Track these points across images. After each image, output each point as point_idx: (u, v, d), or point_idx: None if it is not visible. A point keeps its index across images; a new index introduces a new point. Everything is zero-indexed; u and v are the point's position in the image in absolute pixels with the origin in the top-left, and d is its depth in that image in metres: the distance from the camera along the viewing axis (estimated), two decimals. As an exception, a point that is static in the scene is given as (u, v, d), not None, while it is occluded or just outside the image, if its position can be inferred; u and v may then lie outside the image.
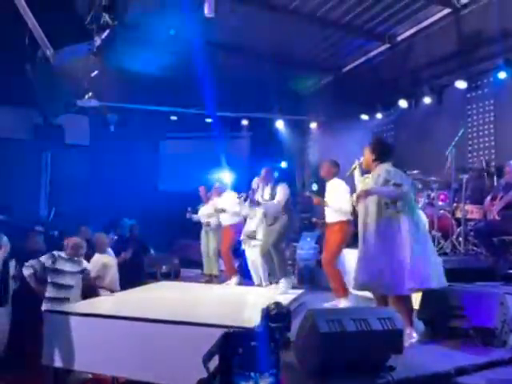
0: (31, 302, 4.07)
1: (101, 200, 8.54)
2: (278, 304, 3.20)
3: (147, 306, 3.87)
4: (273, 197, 4.82)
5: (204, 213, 6.36)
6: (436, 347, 3.22)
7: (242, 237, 5.67)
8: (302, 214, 7.15)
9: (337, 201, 4.40)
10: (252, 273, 5.64)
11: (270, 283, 5.09)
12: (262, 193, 4.99)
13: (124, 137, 8.68)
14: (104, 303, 4.12)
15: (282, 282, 4.67)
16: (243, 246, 5.74)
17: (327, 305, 4.32)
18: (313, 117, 8.73)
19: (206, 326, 3.13)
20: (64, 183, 8.41)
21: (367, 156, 3.52)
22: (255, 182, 5.44)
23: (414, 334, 3.21)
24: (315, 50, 7.79)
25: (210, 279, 6.14)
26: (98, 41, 5.08)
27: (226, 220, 5.92)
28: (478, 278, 4.21)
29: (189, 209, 6.51)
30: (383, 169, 3.40)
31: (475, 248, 4.97)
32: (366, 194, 3.33)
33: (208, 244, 6.28)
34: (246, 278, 5.80)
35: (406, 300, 3.25)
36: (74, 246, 4.20)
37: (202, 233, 6.44)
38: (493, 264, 4.47)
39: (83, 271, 4.26)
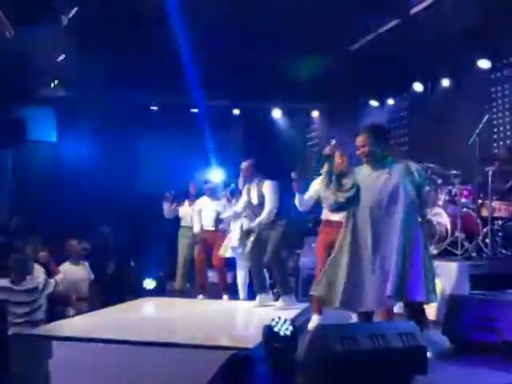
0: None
1: (71, 204, 8.49)
2: (282, 320, 3.22)
3: (131, 326, 3.85)
4: (261, 199, 4.73)
5: (188, 213, 6.28)
6: (463, 365, 3.25)
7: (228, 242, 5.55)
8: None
9: None
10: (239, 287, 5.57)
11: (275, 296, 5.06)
12: (249, 196, 4.89)
13: (96, 131, 8.64)
14: (80, 324, 4.10)
15: (283, 301, 4.66)
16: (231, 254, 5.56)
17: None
18: (314, 104, 8.74)
19: (201, 348, 3.13)
20: (28, 185, 8.35)
21: (364, 144, 3.37)
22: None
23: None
24: (315, 28, 7.79)
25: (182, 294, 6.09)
26: (65, 20, 5.05)
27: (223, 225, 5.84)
28: (507, 284, 4.24)
29: (172, 192, 6.34)
30: (407, 163, 3.38)
31: (504, 250, 5.00)
32: None
33: (189, 252, 6.20)
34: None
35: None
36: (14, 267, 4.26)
37: (182, 241, 6.31)
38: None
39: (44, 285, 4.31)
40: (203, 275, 5.96)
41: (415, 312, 3.25)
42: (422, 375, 2.67)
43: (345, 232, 3.40)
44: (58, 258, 5.46)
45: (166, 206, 6.43)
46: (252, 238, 4.94)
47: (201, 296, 5.86)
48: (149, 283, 5.40)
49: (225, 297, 5.78)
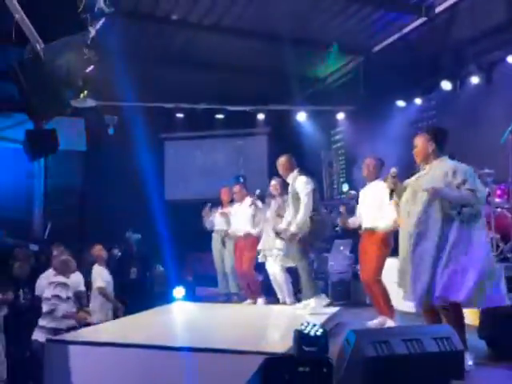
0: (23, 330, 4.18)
1: (100, 211, 8.65)
2: (312, 325, 3.18)
3: (162, 331, 3.87)
4: (294, 193, 4.64)
5: (220, 220, 6.28)
6: (501, 371, 3.13)
7: (259, 247, 5.55)
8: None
9: (385, 205, 4.17)
10: (276, 288, 5.56)
11: (299, 301, 5.02)
12: (288, 190, 4.82)
13: (124, 140, 8.79)
14: (112, 329, 4.15)
15: (313, 303, 4.59)
16: (261, 259, 5.58)
17: (371, 324, 4.25)
18: (340, 106, 8.65)
19: (232, 353, 3.11)
20: (60, 194, 8.55)
21: (423, 146, 3.37)
22: (273, 184, 5.34)
23: (467, 356, 3.11)
24: (340, 29, 7.74)
25: (228, 298, 6.12)
26: (92, 31, 5.14)
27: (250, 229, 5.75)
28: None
29: (209, 205, 6.35)
30: (453, 165, 3.29)
31: (542, 252, 4.85)
32: (437, 193, 3.17)
33: (223, 259, 6.24)
34: (269, 295, 5.77)
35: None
36: (62, 263, 4.35)
37: (216, 245, 6.36)
38: None
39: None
40: (245, 280, 5.80)
41: (457, 315, 3.16)
42: (458, 381, 2.58)
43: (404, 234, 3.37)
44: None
45: (205, 219, 6.43)
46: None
47: (249, 300, 5.73)
48: (178, 291, 5.40)
49: (260, 300, 5.67)
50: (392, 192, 3.52)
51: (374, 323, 4.26)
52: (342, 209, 4.58)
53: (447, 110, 7.09)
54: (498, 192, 5.39)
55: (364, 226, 4.43)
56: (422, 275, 3.16)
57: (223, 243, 6.19)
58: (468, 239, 3.16)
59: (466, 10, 6.66)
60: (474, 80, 6.53)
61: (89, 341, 3.56)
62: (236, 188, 6.04)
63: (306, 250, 4.67)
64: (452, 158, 3.49)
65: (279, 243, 5.15)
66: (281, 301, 5.49)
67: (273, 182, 5.37)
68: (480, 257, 3.15)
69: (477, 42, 6.52)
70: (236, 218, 5.95)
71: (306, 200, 4.57)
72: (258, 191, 5.90)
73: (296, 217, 4.57)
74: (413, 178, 3.50)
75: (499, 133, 5.22)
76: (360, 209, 4.53)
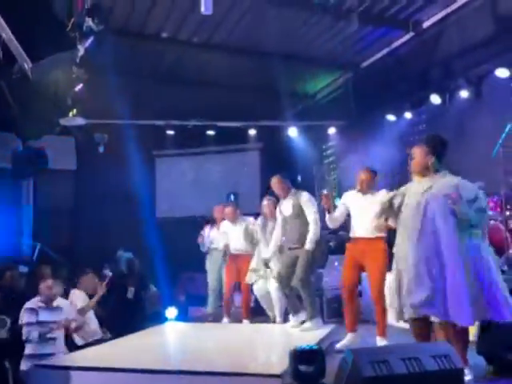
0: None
1: (91, 231, 8.53)
2: (308, 344, 3.10)
3: (155, 353, 3.77)
4: (297, 210, 4.59)
5: (216, 237, 6.21)
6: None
7: (251, 266, 5.49)
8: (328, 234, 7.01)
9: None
10: (265, 307, 5.53)
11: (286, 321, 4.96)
12: (280, 208, 4.81)
13: (115, 158, 8.73)
14: (102, 353, 4.03)
15: (308, 324, 4.52)
16: (250, 279, 5.50)
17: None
18: (331, 121, 8.69)
19: (226, 375, 3.02)
20: (49, 214, 8.43)
21: (421, 159, 3.28)
22: (265, 204, 5.34)
23: (466, 371, 3.05)
24: (329, 45, 7.81)
25: (217, 318, 6.02)
26: (81, 50, 5.12)
27: (246, 247, 5.71)
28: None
29: (202, 232, 6.37)
30: (460, 181, 3.23)
31: (537, 264, 4.83)
32: (458, 201, 3.07)
33: (220, 276, 6.15)
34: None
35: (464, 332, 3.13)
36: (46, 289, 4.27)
37: (215, 262, 6.25)
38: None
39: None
40: (231, 299, 5.87)
41: (457, 332, 3.10)
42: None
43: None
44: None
45: (200, 240, 6.38)
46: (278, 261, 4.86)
47: (225, 320, 5.74)
48: (170, 311, 5.30)
49: (245, 321, 5.64)
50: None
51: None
52: (326, 191, 4.33)
53: (437, 124, 7.13)
54: (491, 204, 5.38)
55: (360, 235, 4.30)
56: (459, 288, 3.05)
57: (225, 259, 6.00)
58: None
59: (453, 25, 6.74)
60: (463, 94, 6.58)
61: (78, 366, 3.45)
62: (228, 210, 5.95)
63: (312, 269, 4.62)
64: (456, 174, 3.40)
65: (274, 264, 5.09)
66: (271, 319, 5.45)
67: (265, 202, 5.36)
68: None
69: (465, 55, 6.59)
70: (233, 236, 5.85)
71: (317, 216, 4.55)
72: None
73: (310, 234, 4.50)
74: (403, 189, 3.45)
75: (489, 145, 5.25)
76: (354, 220, 4.40)
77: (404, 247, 3.29)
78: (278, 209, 4.87)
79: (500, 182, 5.11)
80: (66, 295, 5.04)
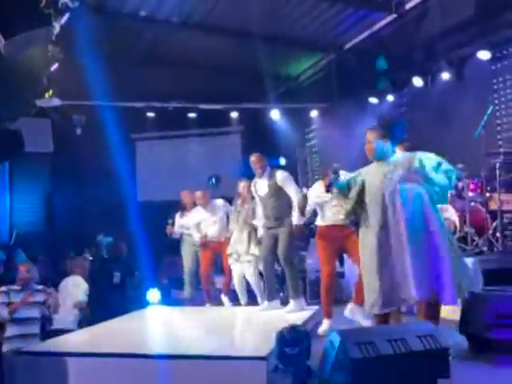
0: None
1: (70, 215, 8.36)
2: (294, 326, 3.09)
3: (137, 338, 3.71)
4: (272, 190, 4.57)
5: (189, 224, 6.03)
6: (483, 365, 3.11)
7: (229, 251, 5.42)
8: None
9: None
10: (238, 292, 5.48)
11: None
12: (255, 187, 4.77)
13: (93, 141, 8.52)
14: (84, 338, 3.96)
15: (292, 304, 4.52)
16: (230, 261, 5.45)
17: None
18: (313, 104, 8.62)
19: (211, 359, 2.99)
20: (26, 198, 8.22)
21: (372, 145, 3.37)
22: (242, 186, 5.29)
23: None
24: (312, 26, 7.70)
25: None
26: (56, 27, 4.91)
27: (221, 232, 5.68)
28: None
29: (169, 221, 6.11)
30: (419, 153, 3.32)
31: (515, 244, 4.91)
32: None
33: (196, 259, 5.99)
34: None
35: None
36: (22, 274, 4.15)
37: (187, 248, 6.11)
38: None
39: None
40: (209, 283, 5.81)
41: (435, 312, 3.13)
42: (445, 379, 2.54)
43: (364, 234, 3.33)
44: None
45: (168, 231, 6.16)
46: (258, 241, 4.86)
47: (208, 304, 5.71)
48: (153, 293, 5.24)
49: (225, 299, 5.60)
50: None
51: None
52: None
53: (419, 106, 7.15)
54: (472, 186, 5.43)
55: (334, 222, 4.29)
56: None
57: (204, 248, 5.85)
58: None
59: (435, 6, 6.70)
60: (445, 76, 6.60)
61: (59, 351, 3.37)
62: (199, 194, 5.80)
63: (292, 246, 4.63)
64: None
65: (253, 248, 5.07)
66: (243, 305, 5.42)
67: (242, 183, 5.33)
68: None
69: (447, 38, 6.57)
70: (207, 223, 5.75)
71: (298, 188, 4.55)
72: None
73: (295, 208, 4.47)
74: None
75: (470, 128, 5.27)
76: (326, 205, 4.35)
77: (369, 233, 3.33)
78: (253, 188, 4.82)
79: (481, 164, 5.14)
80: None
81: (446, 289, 3.06)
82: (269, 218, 4.62)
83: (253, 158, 4.74)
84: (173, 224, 6.10)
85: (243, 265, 5.23)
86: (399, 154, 3.51)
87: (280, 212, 4.55)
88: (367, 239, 3.30)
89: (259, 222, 4.89)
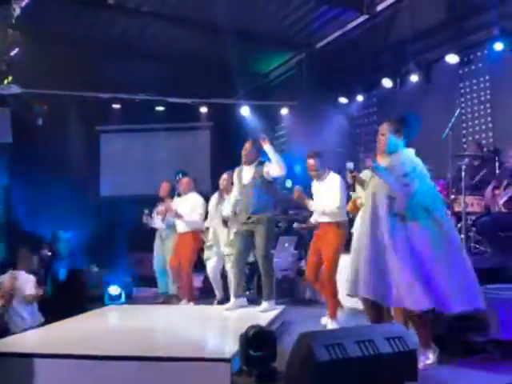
0: None
1: (28, 209, 8.00)
2: (258, 327, 2.98)
3: (91, 338, 3.51)
4: (256, 179, 4.46)
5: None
6: (450, 368, 3.09)
7: (208, 243, 5.45)
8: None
9: (336, 200, 4.16)
10: (214, 287, 5.50)
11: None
12: (240, 175, 4.64)
13: (55, 132, 8.16)
14: (36, 338, 3.73)
15: (265, 304, 4.42)
16: (206, 255, 5.52)
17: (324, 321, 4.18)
18: (283, 101, 8.56)
19: (172, 361, 2.84)
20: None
21: (385, 137, 3.30)
22: (224, 178, 5.30)
23: (431, 356, 3.06)
24: (283, 24, 7.64)
25: (168, 299, 5.83)
26: (16, 9, 4.64)
27: (189, 225, 5.58)
28: (483, 280, 4.14)
29: (145, 211, 6.12)
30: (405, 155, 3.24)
31: (478, 245, 4.95)
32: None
33: (164, 256, 5.96)
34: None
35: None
36: None
37: (157, 243, 6.13)
38: (500, 263, 4.43)
39: None
40: (181, 279, 5.61)
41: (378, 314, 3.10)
42: (412, 382, 2.48)
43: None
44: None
45: (144, 220, 6.12)
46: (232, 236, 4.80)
47: (183, 301, 5.53)
48: (114, 290, 5.04)
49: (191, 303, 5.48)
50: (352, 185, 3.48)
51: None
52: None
53: (388, 107, 7.19)
54: (438, 188, 5.46)
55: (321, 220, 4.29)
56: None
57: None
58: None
59: (406, 9, 6.76)
60: (414, 78, 6.65)
61: (10, 352, 3.14)
62: (184, 180, 5.83)
63: (270, 243, 4.59)
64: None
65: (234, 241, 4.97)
66: (217, 299, 5.42)
67: (224, 176, 5.40)
68: None
69: (416, 40, 6.64)
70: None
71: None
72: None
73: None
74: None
75: (438, 129, 5.31)
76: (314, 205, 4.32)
77: (361, 231, 3.31)
78: (237, 176, 4.69)
79: (448, 166, 5.17)
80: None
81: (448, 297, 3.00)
82: (247, 209, 4.46)
83: (247, 145, 4.64)
84: (149, 215, 6.10)
85: (222, 257, 5.24)
86: (410, 154, 3.35)
87: (260, 204, 4.42)
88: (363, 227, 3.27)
89: (235, 218, 4.79)
